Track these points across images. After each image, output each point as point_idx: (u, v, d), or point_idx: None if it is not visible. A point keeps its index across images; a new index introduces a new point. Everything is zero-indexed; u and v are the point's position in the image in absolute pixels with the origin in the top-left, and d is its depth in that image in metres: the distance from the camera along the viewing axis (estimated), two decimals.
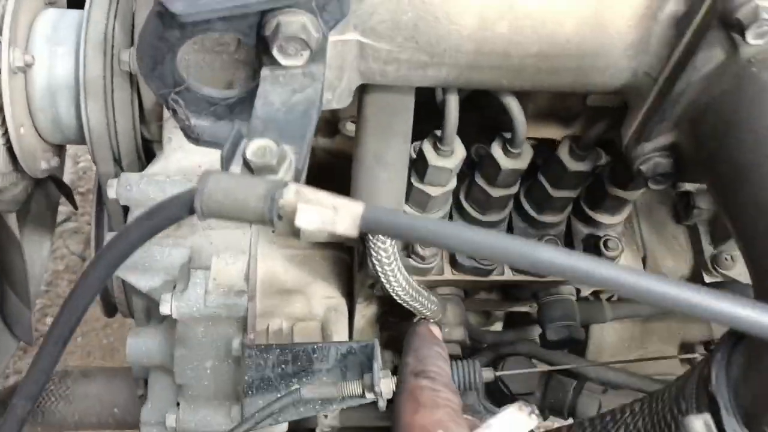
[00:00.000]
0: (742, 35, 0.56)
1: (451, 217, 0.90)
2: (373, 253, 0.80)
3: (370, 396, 0.85)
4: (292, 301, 1.00)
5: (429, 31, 0.62)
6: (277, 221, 0.49)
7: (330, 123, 1.10)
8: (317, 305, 1.01)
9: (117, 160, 1.18)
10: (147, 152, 1.18)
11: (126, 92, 1.11)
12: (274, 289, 1.00)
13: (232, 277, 0.98)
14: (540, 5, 0.62)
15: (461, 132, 0.81)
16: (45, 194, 1.53)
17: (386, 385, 0.85)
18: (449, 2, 0.61)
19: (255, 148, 0.53)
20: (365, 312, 1.03)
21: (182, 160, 1.05)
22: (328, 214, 0.48)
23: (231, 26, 0.57)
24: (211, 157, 1.04)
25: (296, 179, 0.53)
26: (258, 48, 0.59)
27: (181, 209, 0.51)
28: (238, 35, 0.59)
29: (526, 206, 0.89)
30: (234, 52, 0.69)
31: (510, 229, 0.91)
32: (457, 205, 0.89)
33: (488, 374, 0.86)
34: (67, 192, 1.57)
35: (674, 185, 0.83)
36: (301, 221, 0.48)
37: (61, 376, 1.48)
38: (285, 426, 1.05)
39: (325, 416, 1.10)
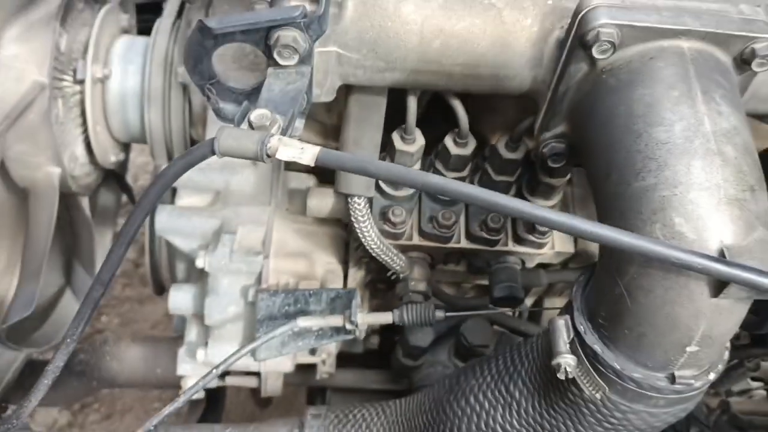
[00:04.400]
0: (591, 52, 0.82)
1: (420, 197, 1.16)
2: (351, 212, 1.06)
3: (349, 326, 1.11)
4: (298, 263, 1.27)
5: (384, 45, 0.89)
6: (266, 158, 0.76)
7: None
8: (318, 268, 1.28)
9: (170, 155, 1.48)
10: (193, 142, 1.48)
11: (180, 100, 1.42)
12: (284, 253, 1.27)
13: (252, 242, 1.26)
14: (463, 29, 0.89)
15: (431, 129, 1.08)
16: (110, 191, 1.85)
17: (362, 318, 1.10)
18: (398, 25, 0.88)
19: (257, 114, 0.80)
20: (356, 276, 1.29)
21: None
22: (298, 152, 0.75)
23: (247, 38, 0.86)
24: None
25: (283, 134, 0.80)
26: (264, 53, 0.87)
27: (207, 150, 0.78)
28: (252, 44, 0.87)
29: None
30: (250, 59, 0.98)
31: (466, 210, 1.17)
32: None
33: (440, 314, 1.10)
34: (128, 189, 1.89)
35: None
36: (280, 155, 0.75)
37: (115, 340, 1.76)
38: (290, 363, 1.31)
39: (323, 362, 1.35)
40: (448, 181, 0.72)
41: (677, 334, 0.74)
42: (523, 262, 1.23)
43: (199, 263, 1.24)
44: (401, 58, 0.90)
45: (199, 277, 1.35)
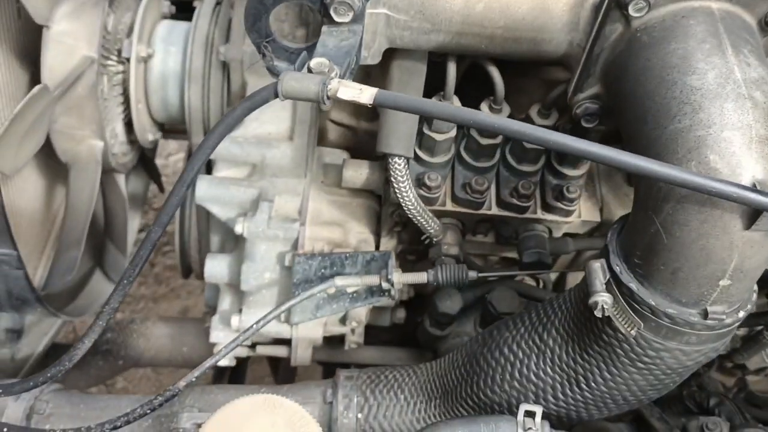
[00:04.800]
0: (627, 10, 0.88)
1: (453, 165, 1.22)
2: (391, 171, 1.12)
3: (385, 285, 1.16)
4: (332, 231, 1.32)
5: (431, 7, 0.95)
6: (326, 100, 0.82)
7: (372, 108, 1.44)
8: (351, 237, 1.33)
9: (207, 132, 1.54)
10: None
11: (219, 79, 1.48)
12: (319, 222, 1.32)
13: (289, 210, 1.31)
14: None
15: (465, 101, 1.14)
16: (139, 178, 1.91)
17: (398, 276, 1.15)
18: None
19: (316, 61, 0.86)
20: (388, 245, 1.34)
21: (257, 129, 1.40)
22: (357, 92, 0.81)
23: None
24: (279, 127, 1.40)
25: None
26: (320, 11, 0.93)
27: (269, 93, 0.84)
28: (309, 2, 0.93)
29: (509, 158, 1.20)
30: (304, 21, 1.04)
31: (497, 178, 1.22)
32: (457, 155, 1.21)
33: (472, 274, 1.15)
34: (156, 174, 1.95)
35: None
36: (340, 95, 0.80)
37: (142, 319, 1.81)
38: (320, 331, 1.36)
39: (353, 332, 1.39)
40: (497, 118, 0.78)
41: (711, 266, 0.79)
42: (551, 232, 1.28)
43: (238, 229, 1.29)
44: (446, 20, 0.96)
45: (234, 246, 1.40)
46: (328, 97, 0.82)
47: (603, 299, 0.85)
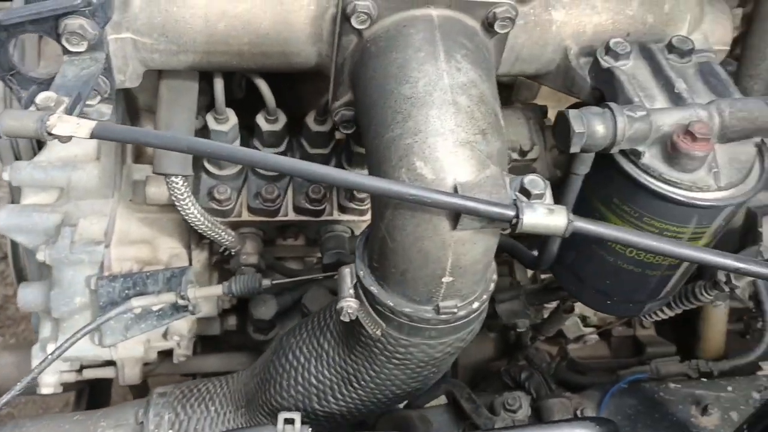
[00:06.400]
0: (351, 23, 0.91)
1: (247, 175, 1.23)
2: (171, 192, 1.13)
3: (181, 302, 1.17)
4: (141, 249, 1.32)
5: (173, 30, 0.96)
6: (46, 135, 0.82)
7: None
8: (162, 253, 1.33)
9: (17, 157, 1.50)
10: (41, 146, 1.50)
11: None
12: (127, 241, 1.32)
13: (94, 233, 1.30)
14: (244, 11, 0.96)
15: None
16: None
17: (192, 292, 1.16)
18: (183, 9, 0.95)
19: (42, 96, 0.86)
20: (200, 257, 1.35)
21: (61, 152, 1.38)
22: (75, 127, 0.81)
23: (37, 28, 0.91)
24: (85, 147, 1.38)
25: (68, 114, 0.86)
26: (57, 41, 0.93)
27: None
28: (44, 33, 0.92)
29: None
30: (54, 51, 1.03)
31: (292, 184, 1.25)
32: None
33: (266, 282, 1.18)
34: None
35: None
36: (57, 131, 0.81)
37: None
38: (142, 349, 1.36)
39: (179, 345, 1.40)
40: (226, 147, 0.80)
41: (431, 266, 0.83)
42: (353, 231, 1.31)
43: (40, 257, 1.27)
44: (191, 41, 0.97)
45: (49, 273, 1.39)
46: (49, 134, 0.82)
47: (348, 304, 0.88)
